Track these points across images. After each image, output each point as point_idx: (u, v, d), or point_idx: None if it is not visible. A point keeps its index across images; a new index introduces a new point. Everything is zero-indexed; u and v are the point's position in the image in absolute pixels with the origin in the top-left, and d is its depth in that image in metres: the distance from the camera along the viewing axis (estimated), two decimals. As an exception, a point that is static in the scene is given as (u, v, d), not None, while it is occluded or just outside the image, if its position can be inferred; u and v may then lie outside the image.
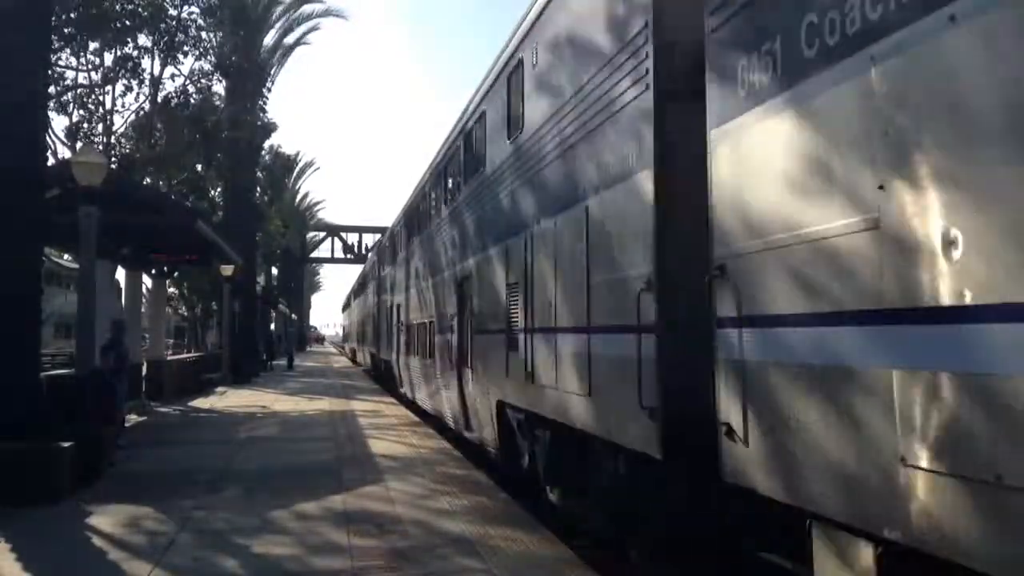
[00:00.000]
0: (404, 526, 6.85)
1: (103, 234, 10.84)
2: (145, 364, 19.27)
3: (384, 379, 24.57)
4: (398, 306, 19.76)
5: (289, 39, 31.71)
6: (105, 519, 7.20)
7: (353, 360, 47.03)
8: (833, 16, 3.07)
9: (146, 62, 20.21)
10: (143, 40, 19.79)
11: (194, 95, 21.45)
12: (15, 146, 8.94)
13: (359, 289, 41.73)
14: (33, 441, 8.21)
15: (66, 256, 38.86)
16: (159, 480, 9.23)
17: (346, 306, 65.95)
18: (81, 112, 20.28)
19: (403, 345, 18.60)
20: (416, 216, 16.91)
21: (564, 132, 6.31)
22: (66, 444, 8.33)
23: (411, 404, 18.65)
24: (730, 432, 3.81)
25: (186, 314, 39.39)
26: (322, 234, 68.77)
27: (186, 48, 20.51)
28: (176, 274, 26.65)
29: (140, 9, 19.00)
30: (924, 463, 2.60)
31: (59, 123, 20.10)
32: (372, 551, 6.10)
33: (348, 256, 66.91)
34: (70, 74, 19.88)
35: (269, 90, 29.69)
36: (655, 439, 4.49)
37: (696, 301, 4.11)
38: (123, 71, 19.53)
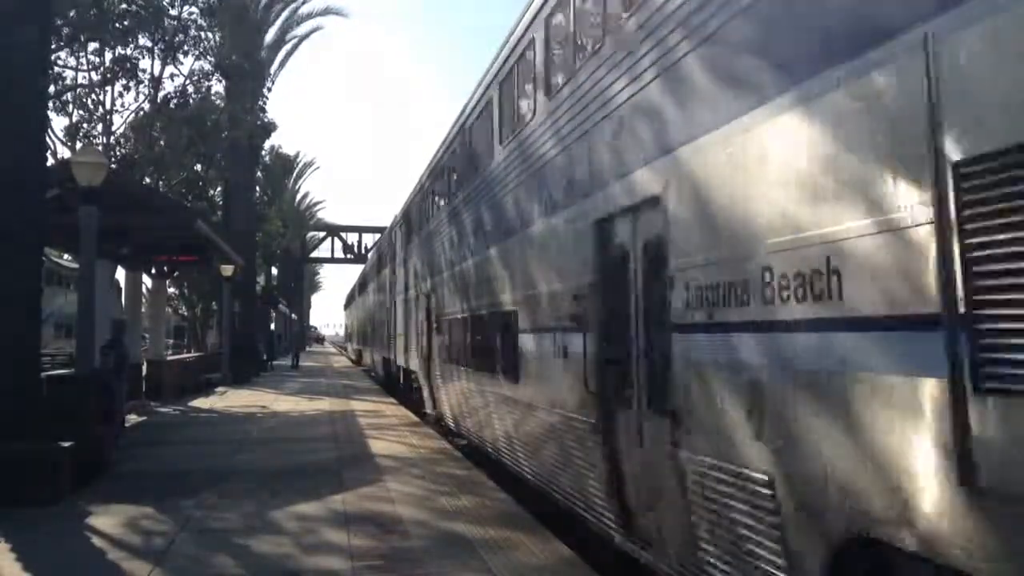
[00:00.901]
0: (405, 526, 6.85)
1: (103, 234, 10.84)
2: (145, 364, 19.28)
3: (401, 392, 19.76)
4: (428, 293, 14.47)
5: (290, 37, 31.73)
6: (105, 519, 7.19)
7: (357, 362, 46.43)
8: None
9: (145, 62, 20.25)
10: (143, 40, 19.81)
11: (193, 95, 21.46)
12: (15, 146, 8.93)
13: (365, 282, 37.60)
14: (33, 441, 8.21)
15: (66, 256, 38.87)
16: (159, 480, 9.22)
17: (349, 302, 62.28)
18: (81, 112, 20.31)
19: (437, 349, 13.33)
20: (477, 137, 10.51)
21: None
22: (66, 444, 8.32)
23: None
24: None
25: (186, 314, 39.34)
26: (322, 234, 68.77)
27: (186, 48, 20.52)
28: (176, 274, 26.64)
29: (140, 10, 19.00)
30: None
31: (59, 123, 20.07)
32: (372, 551, 6.09)
33: (348, 256, 66.87)
34: (70, 74, 19.91)
35: (269, 90, 29.70)
36: None
37: None
38: (121, 72, 19.54)
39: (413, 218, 17.61)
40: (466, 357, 10.92)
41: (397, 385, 20.84)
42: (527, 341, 7.78)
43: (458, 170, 11.96)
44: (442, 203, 13.43)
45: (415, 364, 16.42)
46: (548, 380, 7.11)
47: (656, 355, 4.90)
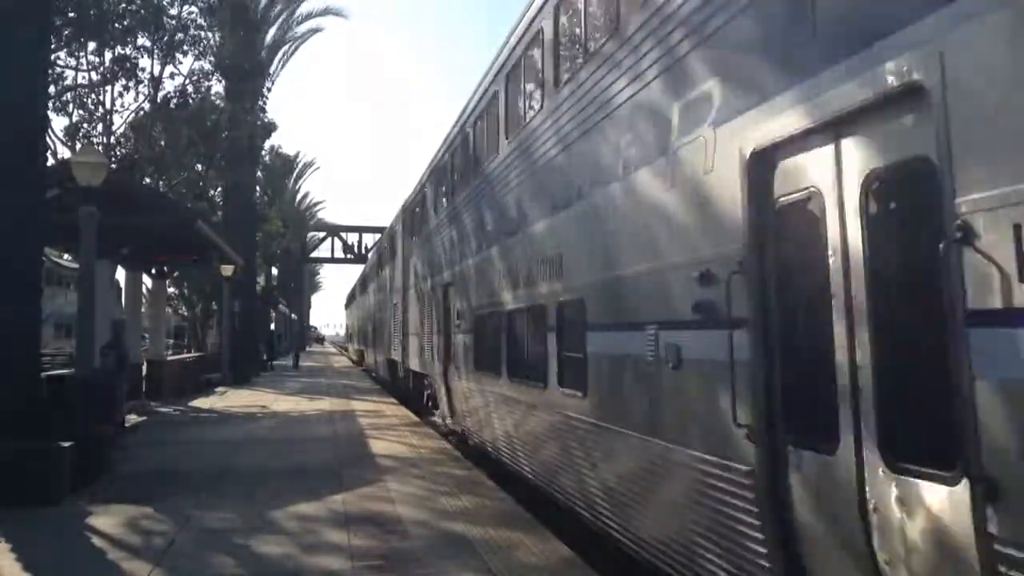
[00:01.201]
0: (405, 526, 6.85)
1: (103, 234, 10.84)
2: (145, 364, 19.27)
3: (412, 399, 17.97)
4: (446, 286, 12.77)
5: (290, 38, 31.73)
6: (105, 519, 7.19)
7: (358, 363, 46.18)
8: None
9: (145, 62, 20.24)
10: (142, 40, 19.81)
11: (193, 95, 21.45)
12: (15, 146, 8.93)
13: (368, 279, 36.20)
14: (33, 441, 8.21)
15: (66, 256, 38.86)
16: (159, 480, 9.21)
17: (350, 301, 60.65)
18: (81, 112, 20.30)
19: (461, 350, 11.41)
20: (526, 73, 8.31)
21: None
22: (66, 444, 8.32)
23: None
24: None
25: (186, 314, 39.32)
26: (322, 234, 68.78)
27: (185, 48, 20.52)
28: (176, 274, 26.62)
29: (140, 10, 19.00)
30: None
31: (59, 123, 20.09)
32: (372, 551, 6.09)
33: (348, 256, 66.85)
34: (70, 74, 19.90)
35: (269, 90, 29.70)
36: None
37: None
38: (121, 72, 19.53)
39: (428, 199, 15.20)
40: (501, 361, 8.99)
41: (405, 389, 19.16)
42: (601, 341, 5.82)
43: (496, 127, 9.35)
44: (472, 172, 11.04)
45: (429, 367, 14.71)
46: (641, 399, 5.16)
47: (911, 370, 3.04)
